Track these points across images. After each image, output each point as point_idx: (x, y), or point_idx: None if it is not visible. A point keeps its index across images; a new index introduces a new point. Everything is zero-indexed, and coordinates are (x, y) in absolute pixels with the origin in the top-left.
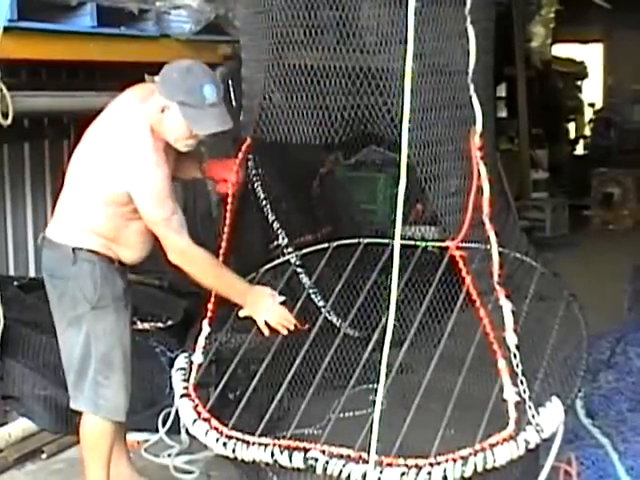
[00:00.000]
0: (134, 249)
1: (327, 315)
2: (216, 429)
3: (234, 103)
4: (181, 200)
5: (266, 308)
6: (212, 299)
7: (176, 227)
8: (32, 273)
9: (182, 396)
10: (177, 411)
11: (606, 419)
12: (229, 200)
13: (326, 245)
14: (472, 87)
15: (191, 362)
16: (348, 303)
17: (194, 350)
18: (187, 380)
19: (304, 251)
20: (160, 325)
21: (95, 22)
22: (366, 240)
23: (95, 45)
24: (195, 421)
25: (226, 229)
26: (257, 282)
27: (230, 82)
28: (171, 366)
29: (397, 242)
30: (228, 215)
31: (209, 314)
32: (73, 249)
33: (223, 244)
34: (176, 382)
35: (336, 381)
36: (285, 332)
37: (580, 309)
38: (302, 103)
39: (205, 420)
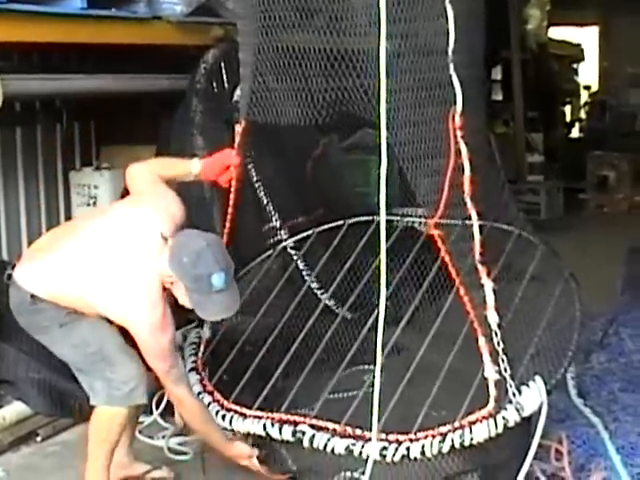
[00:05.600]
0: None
1: (317, 293)
2: (217, 402)
3: (226, 85)
4: (174, 184)
5: (238, 458)
6: None
7: (174, 379)
8: None
9: (190, 370)
10: None
11: (598, 399)
12: (232, 183)
13: (341, 222)
14: (452, 67)
15: (200, 337)
16: (345, 285)
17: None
18: (196, 354)
19: (321, 228)
20: None
21: (85, 4)
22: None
23: (86, 27)
24: (200, 393)
25: (230, 209)
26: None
27: (222, 64)
28: None
29: (382, 219)
30: (232, 197)
31: None
32: (32, 295)
33: (227, 224)
34: (186, 356)
35: (333, 361)
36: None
37: (577, 288)
38: (289, 85)
39: (209, 393)
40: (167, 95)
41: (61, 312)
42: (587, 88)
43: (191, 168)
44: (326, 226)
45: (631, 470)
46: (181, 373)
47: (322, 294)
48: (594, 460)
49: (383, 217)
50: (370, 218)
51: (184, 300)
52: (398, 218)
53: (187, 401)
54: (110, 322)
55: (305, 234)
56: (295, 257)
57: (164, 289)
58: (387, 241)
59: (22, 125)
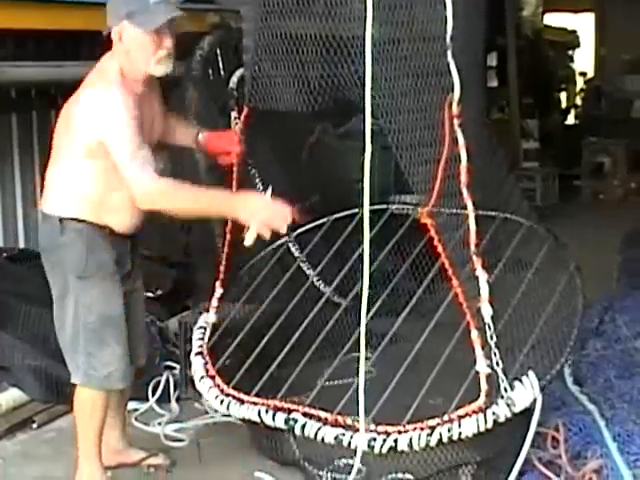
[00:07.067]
0: (122, 214)
1: (316, 283)
2: (217, 386)
3: (222, 72)
4: (169, 169)
5: (260, 207)
6: (223, 262)
7: (140, 163)
8: (21, 244)
9: (196, 354)
10: (167, 380)
11: (594, 386)
12: (234, 169)
13: (355, 210)
14: (450, 54)
15: (208, 322)
16: (350, 275)
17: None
18: (203, 339)
19: (335, 216)
20: (150, 295)
21: None
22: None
23: (81, 14)
24: (202, 378)
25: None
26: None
27: (218, 51)
28: (160, 335)
29: (366, 208)
30: (234, 184)
31: (221, 276)
32: (60, 219)
33: None
34: (194, 340)
35: (333, 349)
36: (284, 228)
37: (581, 282)
38: (286, 72)
39: (211, 378)
40: (162, 82)
41: (83, 258)
42: (583, 74)
43: (199, 132)
44: (342, 214)
45: (627, 457)
46: (147, 157)
47: (325, 286)
48: (590, 447)
49: (366, 206)
50: (385, 206)
51: (138, 43)
52: (412, 207)
53: (156, 186)
54: (128, 296)
55: (320, 222)
56: (304, 248)
57: (123, 78)
58: (398, 231)
59: (18, 112)
